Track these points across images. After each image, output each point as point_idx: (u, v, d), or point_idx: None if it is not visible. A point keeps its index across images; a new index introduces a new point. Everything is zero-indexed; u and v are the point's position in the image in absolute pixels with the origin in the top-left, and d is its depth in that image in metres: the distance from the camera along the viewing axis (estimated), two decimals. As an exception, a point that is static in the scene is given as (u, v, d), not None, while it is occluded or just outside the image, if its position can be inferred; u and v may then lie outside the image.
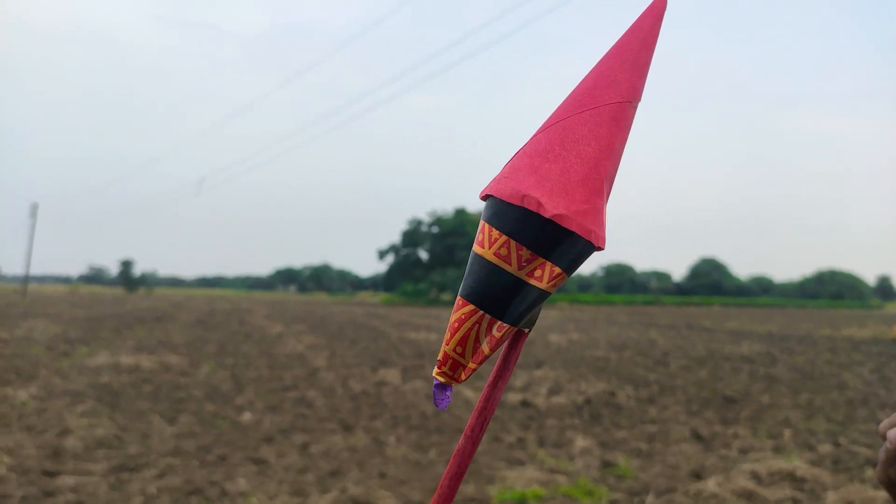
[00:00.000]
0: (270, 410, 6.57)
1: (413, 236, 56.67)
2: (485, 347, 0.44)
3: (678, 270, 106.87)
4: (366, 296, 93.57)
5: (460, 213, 55.58)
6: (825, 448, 5.50)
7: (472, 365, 0.45)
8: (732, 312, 45.59)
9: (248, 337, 14.91)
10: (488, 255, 0.42)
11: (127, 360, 9.74)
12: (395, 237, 61.78)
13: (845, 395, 8.25)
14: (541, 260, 0.42)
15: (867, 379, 9.86)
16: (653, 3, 0.44)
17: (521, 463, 4.93)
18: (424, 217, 57.34)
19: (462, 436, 0.45)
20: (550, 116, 0.45)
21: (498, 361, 0.45)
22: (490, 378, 0.45)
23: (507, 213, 0.42)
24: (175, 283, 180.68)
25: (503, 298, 0.42)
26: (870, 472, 4.76)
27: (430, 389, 5.50)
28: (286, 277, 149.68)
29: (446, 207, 59.43)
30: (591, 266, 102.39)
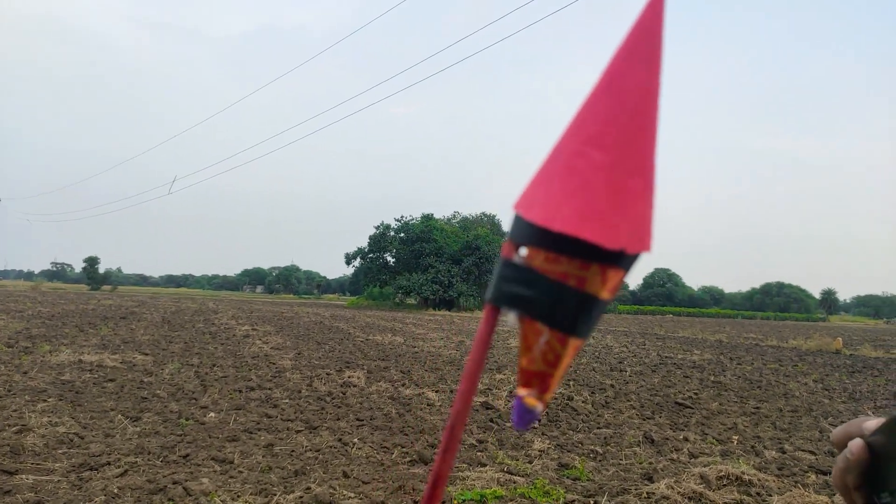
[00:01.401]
0: (235, 410, 6.60)
1: (380, 241, 56.58)
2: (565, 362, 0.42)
3: (634, 280, 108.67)
4: (332, 298, 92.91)
5: (427, 220, 55.87)
6: (771, 453, 5.74)
7: (554, 382, 0.43)
8: (684, 321, 46.64)
9: (214, 337, 14.79)
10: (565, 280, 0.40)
11: (90, 357, 9.63)
12: (362, 241, 61.56)
13: (790, 403, 8.60)
14: (613, 274, 0.40)
15: (811, 388, 10.27)
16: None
17: (481, 464, 5.07)
18: (392, 222, 57.42)
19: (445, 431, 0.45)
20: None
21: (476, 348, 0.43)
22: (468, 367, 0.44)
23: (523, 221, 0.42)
24: (141, 281, 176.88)
25: (583, 314, 0.41)
26: (813, 477, 5.01)
27: (394, 392, 5.61)
28: (254, 278, 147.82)
29: (414, 213, 59.39)
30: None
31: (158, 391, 7.43)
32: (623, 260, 0.39)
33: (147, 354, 10.66)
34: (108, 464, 4.59)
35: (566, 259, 0.39)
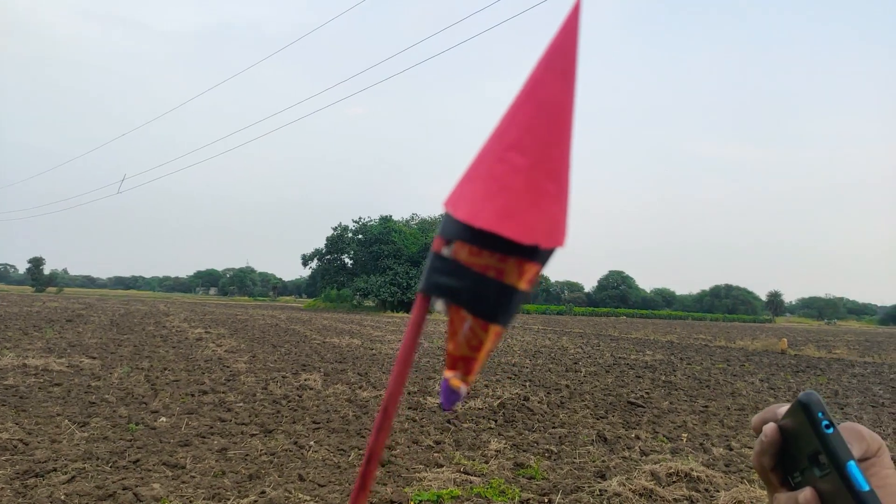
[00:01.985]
0: (188, 414, 6.48)
1: (338, 242, 56.15)
2: (486, 347, 0.46)
3: (589, 282, 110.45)
4: (289, 300, 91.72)
5: (386, 221, 55.62)
6: (719, 450, 5.92)
7: (477, 366, 0.47)
8: (637, 323, 47.64)
9: (166, 340, 14.46)
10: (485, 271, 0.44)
11: (35, 361, 9.32)
12: (320, 243, 60.93)
13: (738, 401, 8.88)
14: (529, 266, 0.44)
15: (758, 387, 10.62)
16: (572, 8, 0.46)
17: (438, 465, 5.10)
18: (350, 224, 56.99)
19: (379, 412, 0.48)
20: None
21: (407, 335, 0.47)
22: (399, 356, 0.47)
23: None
24: (88, 283, 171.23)
25: (501, 303, 0.44)
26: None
27: (351, 394, 5.61)
28: (207, 280, 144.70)
29: (372, 215, 59.10)
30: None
31: (107, 396, 7.24)
32: (538, 254, 0.43)
33: (95, 358, 10.37)
34: (55, 470, 4.47)
35: (487, 253, 0.43)
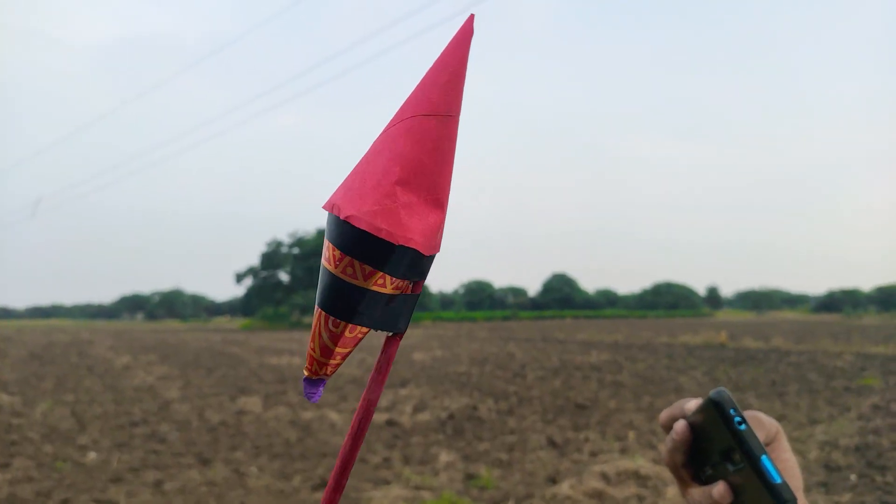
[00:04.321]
0: (118, 448, 6.11)
1: (273, 258, 54.92)
2: (340, 347, 0.49)
3: (533, 286, 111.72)
4: (223, 321, 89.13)
5: (322, 234, 54.75)
6: (665, 440, 6.00)
7: (333, 361, 0.49)
8: (582, 324, 48.44)
9: (91, 370, 13.72)
10: (336, 271, 0.47)
11: (-58, 403, 8.63)
12: (253, 259, 59.54)
13: (681, 396, 9.04)
14: (379, 273, 0.46)
15: (700, 381, 10.90)
16: (461, 27, 0.48)
17: (386, 482, 4.95)
18: (285, 238, 55.83)
19: (346, 437, 0.48)
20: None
21: (374, 366, 0.49)
22: (368, 383, 0.49)
23: (328, 220, 0.48)
24: (2, 314, 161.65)
25: (350, 304, 0.47)
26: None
27: (294, 416, 5.42)
28: (132, 304, 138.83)
29: (308, 228, 58.01)
30: (452, 283, 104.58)
31: (30, 433, 6.77)
32: (416, 264, 0.47)
33: (14, 394, 9.71)
34: (-32, 521, 4.10)
35: (336, 252, 0.46)
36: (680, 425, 0.57)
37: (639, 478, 4.95)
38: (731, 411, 0.52)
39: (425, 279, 0.50)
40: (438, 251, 0.49)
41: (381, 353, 0.49)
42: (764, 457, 0.50)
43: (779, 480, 0.49)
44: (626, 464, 5.20)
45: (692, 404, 0.58)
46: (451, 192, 0.49)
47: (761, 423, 0.56)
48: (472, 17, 0.49)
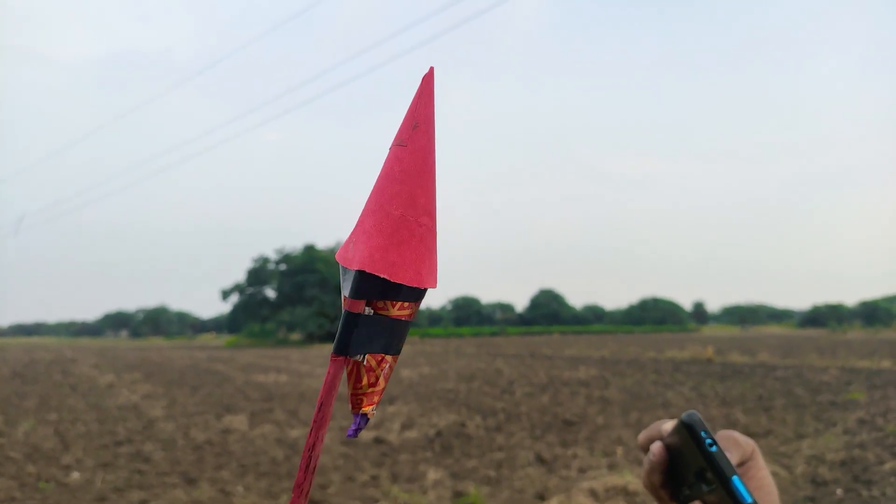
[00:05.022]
0: (102, 468, 6.02)
1: (259, 274, 54.57)
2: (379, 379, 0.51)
3: (521, 302, 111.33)
4: (208, 338, 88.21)
5: (309, 250, 54.43)
6: (643, 461, 6.00)
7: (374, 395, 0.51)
8: (570, 340, 48.43)
9: (74, 389, 13.53)
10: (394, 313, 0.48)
11: (-79, 423, 8.47)
12: (239, 276, 59.11)
13: (669, 412, 9.09)
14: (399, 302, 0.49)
15: (687, 396, 10.93)
16: (424, 77, 0.51)
17: (374, 500, 4.92)
18: (272, 254, 55.52)
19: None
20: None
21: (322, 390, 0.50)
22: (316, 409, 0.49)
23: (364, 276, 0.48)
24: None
25: (402, 337, 0.50)
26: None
27: (280, 434, 5.40)
28: (116, 322, 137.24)
29: (295, 244, 57.64)
30: (440, 300, 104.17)
31: (12, 453, 6.67)
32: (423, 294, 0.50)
33: (-6, 414, 9.55)
34: (-54, 544, 4.01)
35: (411, 304, 0.48)
36: (656, 447, 0.59)
37: (627, 494, 4.94)
38: (703, 433, 0.53)
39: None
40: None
41: (332, 376, 0.50)
42: (735, 477, 0.51)
43: (749, 500, 0.50)
44: (615, 480, 5.19)
45: (668, 426, 0.59)
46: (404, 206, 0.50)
47: (737, 442, 0.57)
48: (431, 69, 0.51)
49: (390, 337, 0.49)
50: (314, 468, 0.49)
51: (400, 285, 0.47)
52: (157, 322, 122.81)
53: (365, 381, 0.49)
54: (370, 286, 0.47)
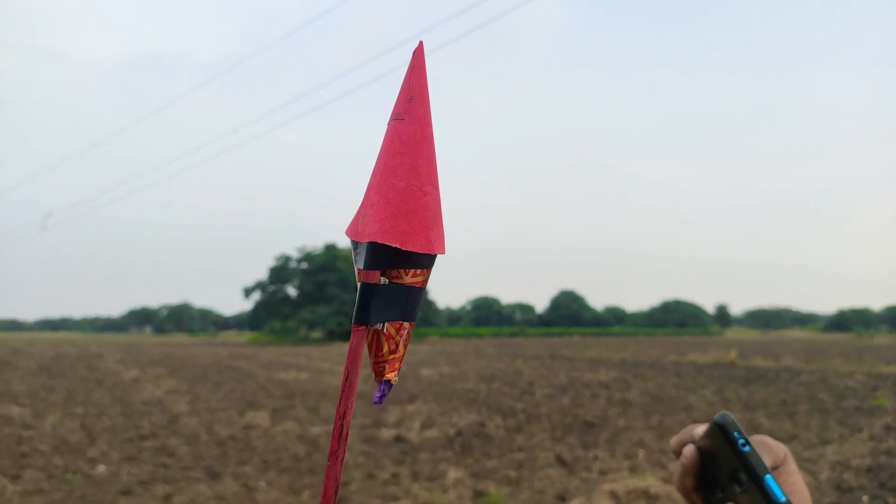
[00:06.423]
0: (127, 461, 6.12)
1: (281, 273, 54.99)
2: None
3: (541, 303, 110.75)
4: (230, 335, 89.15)
5: (330, 249, 54.73)
6: (675, 465, 5.95)
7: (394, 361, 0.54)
8: (590, 341, 48.13)
9: (100, 383, 13.76)
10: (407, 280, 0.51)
11: (-47, 415, 8.68)
12: (261, 274, 59.59)
13: (691, 415, 9.00)
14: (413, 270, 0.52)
15: (710, 400, 10.81)
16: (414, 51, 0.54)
17: (395, 498, 4.94)
18: (293, 253, 55.92)
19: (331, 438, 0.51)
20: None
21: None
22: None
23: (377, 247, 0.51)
24: (13, 326, 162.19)
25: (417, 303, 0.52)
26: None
27: (302, 431, 5.43)
28: (141, 318, 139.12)
29: (316, 243, 58.00)
30: (459, 299, 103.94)
31: (40, 445, 6.80)
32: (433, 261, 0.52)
33: (25, 406, 9.76)
34: (-21, 532, 4.12)
35: (423, 271, 0.51)
36: (689, 450, 0.59)
37: (649, 497, 4.91)
38: (735, 434, 0.54)
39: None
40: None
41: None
42: (767, 476, 0.51)
43: (783, 499, 0.50)
44: (636, 482, 5.16)
45: (700, 429, 0.59)
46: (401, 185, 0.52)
47: (769, 447, 0.58)
48: (420, 43, 0.54)
49: (406, 304, 0.51)
50: (346, 436, 0.51)
51: (411, 253, 0.49)
52: (181, 318, 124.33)
53: (386, 348, 0.52)
54: (383, 256, 0.50)
